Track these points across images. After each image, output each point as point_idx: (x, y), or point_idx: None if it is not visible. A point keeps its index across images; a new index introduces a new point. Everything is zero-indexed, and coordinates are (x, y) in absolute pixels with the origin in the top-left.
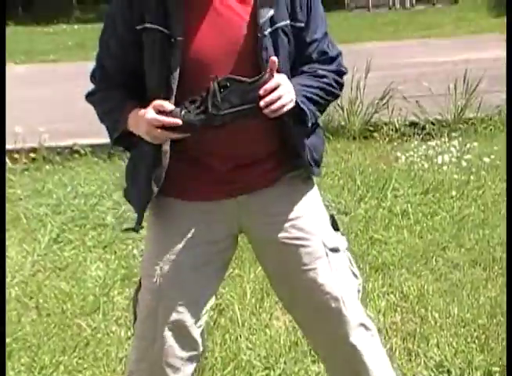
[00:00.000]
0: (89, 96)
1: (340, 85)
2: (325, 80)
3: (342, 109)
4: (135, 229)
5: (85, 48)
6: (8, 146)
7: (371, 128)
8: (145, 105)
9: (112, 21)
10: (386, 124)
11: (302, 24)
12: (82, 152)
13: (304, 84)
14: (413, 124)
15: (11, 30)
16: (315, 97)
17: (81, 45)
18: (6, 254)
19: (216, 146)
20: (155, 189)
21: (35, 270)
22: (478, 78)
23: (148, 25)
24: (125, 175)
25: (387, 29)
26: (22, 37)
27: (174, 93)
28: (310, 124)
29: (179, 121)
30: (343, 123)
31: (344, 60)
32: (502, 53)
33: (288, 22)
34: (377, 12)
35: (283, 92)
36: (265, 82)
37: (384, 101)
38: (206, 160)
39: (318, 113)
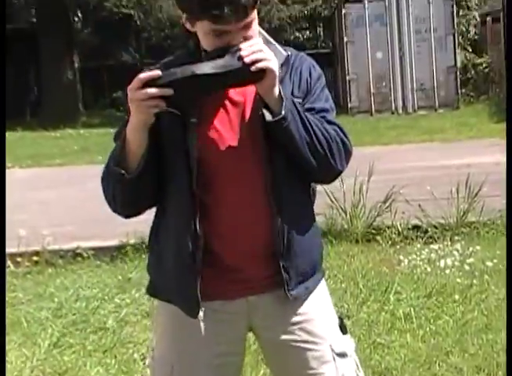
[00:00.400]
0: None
1: (341, 142)
2: (324, 125)
3: (345, 212)
4: (194, 316)
5: (90, 152)
6: (11, 250)
7: (374, 232)
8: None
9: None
10: (389, 227)
11: (300, 100)
12: (85, 255)
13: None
14: (416, 228)
15: (19, 136)
16: (304, 116)
17: (87, 149)
18: (6, 359)
19: (218, 228)
20: (199, 259)
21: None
22: (480, 182)
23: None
24: (150, 268)
25: (389, 133)
26: (29, 142)
27: (195, 174)
28: (286, 124)
29: (158, 72)
30: (346, 226)
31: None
32: (504, 158)
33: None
34: (380, 116)
35: (263, 47)
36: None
37: (387, 204)
38: (211, 246)
39: (304, 134)
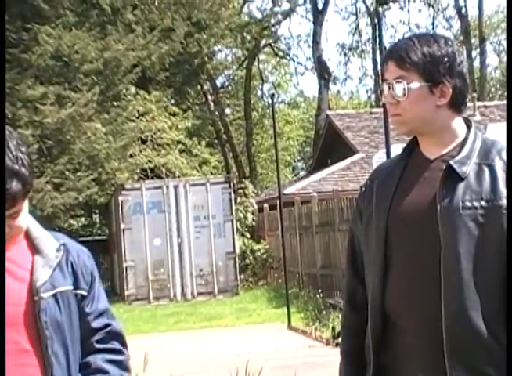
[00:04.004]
0: None
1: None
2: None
3: None
4: None
5: None
6: None
7: None
8: None
9: None
10: None
11: (85, 292)
12: None
13: None
14: None
15: None
16: None
17: None
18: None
19: None
20: None
21: None
22: (259, 369)
23: None
24: None
25: (168, 320)
26: None
27: None
28: None
29: None
30: None
31: None
32: (283, 343)
33: (71, 287)
34: (158, 303)
35: None
36: None
37: None
38: None
39: None
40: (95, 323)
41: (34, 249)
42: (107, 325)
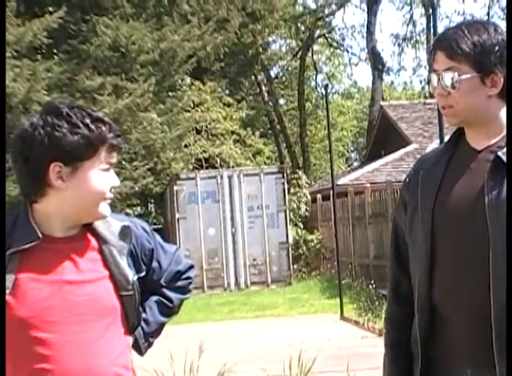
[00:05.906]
0: None
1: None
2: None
3: None
4: None
5: None
6: None
7: None
8: None
9: None
10: None
11: (143, 273)
12: None
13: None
14: None
15: None
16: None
17: None
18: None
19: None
20: None
21: None
22: (313, 358)
23: None
24: None
25: (222, 309)
26: None
27: None
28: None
29: None
30: None
31: (177, 342)
32: (336, 334)
33: (135, 278)
34: (212, 292)
35: None
36: None
37: None
38: None
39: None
40: (164, 282)
41: (100, 238)
42: (178, 272)
